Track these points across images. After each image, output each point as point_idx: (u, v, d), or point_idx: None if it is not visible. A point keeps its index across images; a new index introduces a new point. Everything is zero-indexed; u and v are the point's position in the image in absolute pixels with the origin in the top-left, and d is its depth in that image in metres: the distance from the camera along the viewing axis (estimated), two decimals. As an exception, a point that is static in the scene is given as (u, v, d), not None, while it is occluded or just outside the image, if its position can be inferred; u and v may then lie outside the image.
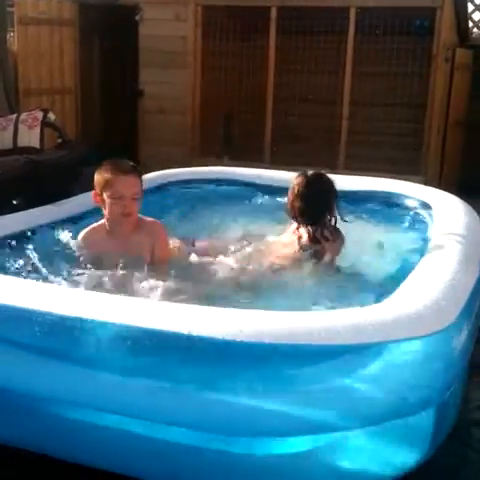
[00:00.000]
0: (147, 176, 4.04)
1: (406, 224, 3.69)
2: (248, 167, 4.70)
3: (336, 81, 7.22)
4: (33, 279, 2.44)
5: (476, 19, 7.81)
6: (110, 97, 8.58)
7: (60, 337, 1.95)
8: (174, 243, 3.10)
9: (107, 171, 2.78)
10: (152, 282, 2.51)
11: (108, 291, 2.43)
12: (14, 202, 3.31)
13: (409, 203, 3.85)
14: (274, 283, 2.80)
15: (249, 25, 7.25)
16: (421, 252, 2.78)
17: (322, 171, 3.20)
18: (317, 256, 2.95)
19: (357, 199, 3.88)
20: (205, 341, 1.79)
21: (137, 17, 7.45)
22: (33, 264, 2.62)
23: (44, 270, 2.59)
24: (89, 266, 2.68)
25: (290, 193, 3.12)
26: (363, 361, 1.83)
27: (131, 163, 2.88)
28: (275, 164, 6.29)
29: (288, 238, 3.13)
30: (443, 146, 6.98)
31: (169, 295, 2.43)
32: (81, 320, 1.91)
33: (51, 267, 2.64)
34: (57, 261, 2.73)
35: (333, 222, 3.08)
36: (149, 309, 2.00)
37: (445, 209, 3.40)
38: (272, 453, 1.89)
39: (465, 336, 2.12)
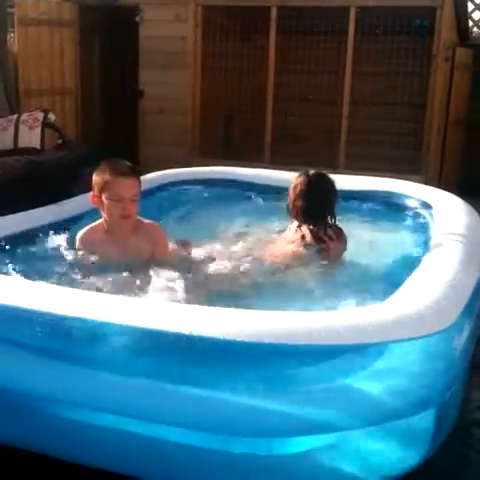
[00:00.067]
0: (148, 176, 4.05)
1: (407, 224, 3.69)
2: (248, 167, 4.70)
3: (336, 81, 7.22)
4: (32, 279, 2.43)
5: (476, 18, 7.81)
6: (110, 98, 8.58)
7: (59, 337, 1.95)
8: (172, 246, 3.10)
9: (105, 173, 2.76)
10: (151, 283, 2.51)
11: (107, 291, 2.43)
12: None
13: (410, 203, 3.85)
14: (276, 282, 2.80)
15: (249, 25, 7.25)
16: (422, 252, 2.78)
17: (323, 171, 3.20)
18: (320, 255, 2.95)
19: (358, 199, 3.89)
20: (205, 341, 1.79)
21: (137, 18, 7.45)
22: (33, 264, 2.62)
23: (43, 270, 2.59)
24: (87, 267, 2.67)
25: (291, 192, 3.12)
26: (364, 361, 1.82)
27: (129, 164, 2.87)
28: (275, 164, 6.29)
29: (290, 237, 3.13)
30: (443, 145, 6.98)
31: (169, 295, 2.43)
32: (80, 320, 1.91)
33: (50, 267, 2.64)
34: (56, 261, 2.73)
35: (333, 222, 3.08)
36: (149, 310, 2.00)
37: (446, 209, 3.40)
38: (272, 453, 1.89)
39: (466, 336, 2.12)
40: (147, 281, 2.53)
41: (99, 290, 2.44)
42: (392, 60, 6.98)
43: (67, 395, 1.97)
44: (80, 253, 2.79)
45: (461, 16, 7.01)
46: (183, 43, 7.40)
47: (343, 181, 3.29)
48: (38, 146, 6.02)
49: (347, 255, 3.04)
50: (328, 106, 7.29)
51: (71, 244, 2.84)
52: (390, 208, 3.92)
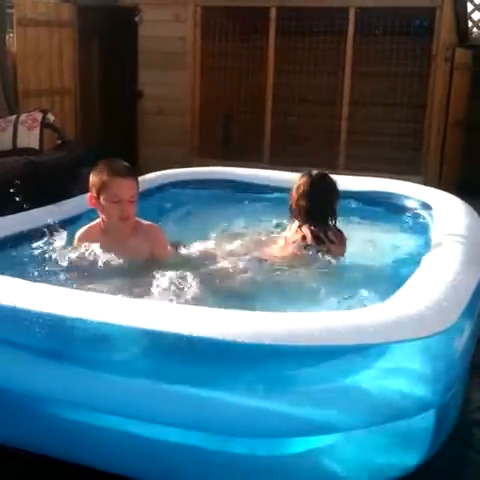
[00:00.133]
0: (147, 176, 4.05)
1: (407, 225, 3.69)
2: (247, 167, 4.70)
3: (335, 81, 7.22)
4: (31, 280, 2.42)
5: (476, 19, 7.81)
6: (109, 98, 8.58)
7: (58, 337, 1.94)
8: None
9: (103, 173, 2.73)
10: (150, 284, 2.50)
11: (105, 292, 2.42)
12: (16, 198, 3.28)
13: (410, 203, 3.85)
14: (276, 282, 2.80)
15: (248, 26, 7.25)
16: (422, 253, 2.77)
17: (326, 172, 3.21)
18: (321, 256, 2.95)
19: (358, 200, 3.88)
20: (205, 342, 1.78)
21: (136, 18, 7.45)
22: (31, 265, 2.61)
23: (42, 271, 2.59)
24: (86, 268, 2.65)
25: (295, 192, 3.14)
26: (364, 362, 1.82)
27: (126, 164, 2.84)
28: (274, 164, 6.29)
29: (291, 237, 3.13)
30: (443, 146, 6.98)
31: (168, 296, 2.42)
32: (78, 321, 1.90)
33: (49, 268, 2.64)
34: (55, 262, 2.71)
35: (334, 222, 3.09)
36: (148, 310, 2.00)
37: (446, 210, 3.39)
38: (272, 454, 1.88)
39: (466, 337, 2.11)
40: (146, 282, 2.52)
41: (97, 291, 2.43)
42: (391, 61, 6.98)
43: (65, 395, 1.97)
44: (78, 254, 2.77)
45: (460, 17, 7.02)
46: (182, 43, 7.40)
47: (343, 182, 3.29)
48: (37, 146, 6.02)
49: (347, 256, 3.04)
50: (327, 107, 7.29)
51: (69, 245, 2.82)
52: (390, 209, 3.92)
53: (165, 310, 2.02)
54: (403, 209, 3.86)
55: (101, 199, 2.73)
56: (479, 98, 7.31)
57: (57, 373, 1.97)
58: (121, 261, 2.68)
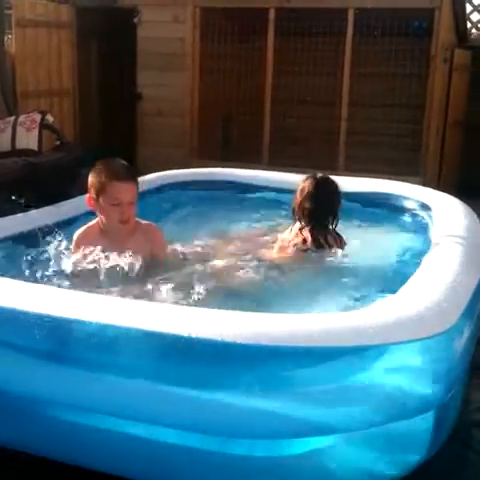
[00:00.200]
0: (147, 177, 4.05)
1: (406, 226, 3.68)
2: (246, 169, 4.70)
3: (334, 82, 7.23)
4: (29, 281, 2.42)
5: (474, 20, 7.82)
6: (108, 99, 8.58)
7: (57, 339, 1.94)
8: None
9: (102, 175, 2.69)
10: (149, 284, 2.50)
11: (104, 293, 2.42)
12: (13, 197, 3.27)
13: (409, 204, 3.85)
14: (275, 283, 2.80)
15: (247, 27, 7.26)
16: (422, 254, 2.77)
17: (328, 175, 3.23)
18: (320, 259, 2.95)
19: (357, 201, 3.88)
20: (204, 343, 1.78)
21: (135, 19, 7.45)
22: (30, 266, 2.60)
23: (41, 272, 2.58)
24: (85, 269, 2.63)
25: (299, 194, 3.15)
26: (363, 363, 1.82)
27: (125, 163, 2.81)
28: (274, 166, 6.29)
29: (291, 239, 3.14)
30: (442, 147, 6.99)
31: (166, 297, 2.42)
32: (78, 322, 1.90)
33: (48, 269, 2.62)
34: (54, 263, 2.70)
35: (336, 225, 3.10)
36: (146, 311, 1.99)
37: (445, 211, 3.39)
38: (272, 455, 1.88)
39: (466, 338, 2.11)
40: (145, 282, 2.52)
41: (96, 292, 2.42)
42: (390, 62, 6.99)
43: (65, 397, 1.96)
44: (78, 256, 2.75)
45: (459, 17, 7.02)
46: (181, 45, 7.40)
47: (342, 183, 3.29)
48: (36, 148, 6.02)
49: (346, 257, 3.04)
50: (326, 108, 7.30)
51: (68, 246, 2.81)
52: (389, 210, 3.92)
53: (163, 311, 2.02)
54: (402, 210, 3.86)
55: (100, 201, 2.70)
56: (478, 99, 7.32)
57: (57, 375, 1.96)
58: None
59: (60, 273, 2.62)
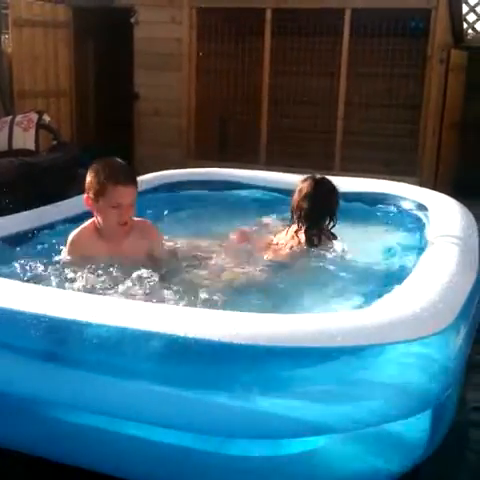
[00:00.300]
0: (144, 177, 4.04)
1: (403, 226, 3.69)
2: (244, 169, 4.70)
3: (331, 82, 7.23)
4: (26, 282, 2.42)
5: (471, 20, 7.84)
6: (105, 99, 8.57)
7: (56, 339, 1.94)
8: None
9: (103, 177, 2.64)
10: (147, 284, 2.49)
11: (101, 293, 2.42)
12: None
13: (405, 205, 3.86)
14: (272, 283, 2.80)
15: (244, 27, 7.26)
16: (418, 254, 2.78)
17: (325, 176, 3.25)
18: (315, 260, 2.96)
19: (353, 201, 3.89)
20: (201, 343, 1.78)
21: (132, 19, 7.45)
22: (26, 266, 2.59)
23: (38, 273, 2.57)
24: (82, 269, 2.61)
25: (297, 195, 3.17)
26: (360, 363, 1.82)
27: (123, 163, 2.76)
28: (271, 166, 6.29)
29: (287, 241, 3.15)
30: (438, 147, 7.00)
31: (166, 297, 2.42)
32: (77, 323, 1.90)
33: (45, 270, 2.62)
34: (51, 264, 2.70)
35: (333, 225, 3.12)
36: (147, 311, 1.99)
37: (441, 211, 3.40)
38: (270, 455, 1.88)
39: (462, 338, 2.12)
40: (142, 282, 2.51)
41: (94, 292, 2.42)
42: (387, 62, 7.00)
43: (64, 398, 1.96)
44: (75, 256, 2.74)
45: (456, 18, 7.04)
46: (178, 45, 7.40)
47: (339, 183, 3.29)
48: (33, 147, 6.01)
49: (342, 258, 3.04)
50: (323, 108, 7.31)
51: (65, 246, 2.80)
52: (385, 210, 3.92)
53: (162, 311, 2.02)
54: (399, 210, 3.87)
55: (99, 202, 2.66)
56: (474, 99, 7.34)
57: (56, 376, 1.96)
58: (118, 261, 2.66)
59: (56, 274, 2.61)
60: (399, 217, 3.81)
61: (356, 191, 3.99)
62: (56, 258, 2.76)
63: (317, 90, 7.40)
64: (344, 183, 3.80)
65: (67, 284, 2.51)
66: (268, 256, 3.10)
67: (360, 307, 2.26)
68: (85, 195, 2.73)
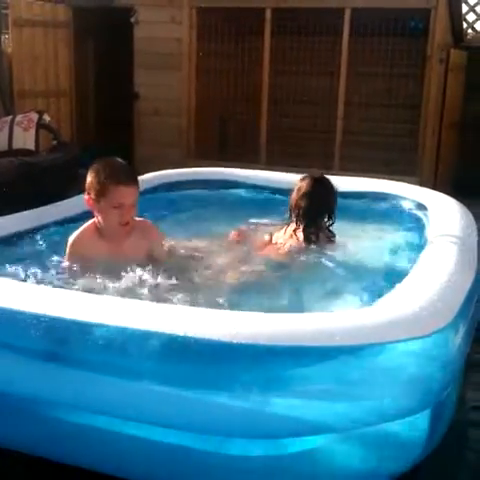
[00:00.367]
0: (144, 177, 4.04)
1: (402, 225, 3.69)
2: (244, 168, 4.71)
3: (331, 82, 7.23)
4: (26, 282, 2.42)
5: (470, 20, 7.85)
6: (105, 99, 8.58)
7: (56, 339, 1.94)
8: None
9: (104, 177, 2.62)
10: (149, 284, 2.50)
11: (102, 294, 2.42)
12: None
13: (405, 204, 3.86)
14: (271, 284, 2.80)
15: (244, 27, 7.26)
16: (417, 253, 2.78)
17: (324, 175, 3.27)
18: (314, 259, 2.97)
19: (353, 200, 3.89)
20: (201, 343, 1.79)
21: (132, 19, 7.45)
22: (26, 266, 2.59)
23: (37, 273, 2.56)
24: (82, 269, 2.61)
25: (295, 193, 3.18)
26: (359, 362, 1.82)
27: (124, 163, 2.75)
28: (271, 165, 6.30)
29: (285, 240, 3.16)
30: (438, 147, 7.01)
31: (166, 297, 2.42)
32: (77, 323, 1.91)
33: (44, 270, 2.61)
34: (51, 264, 2.69)
35: (332, 223, 3.13)
36: (146, 311, 2.00)
37: (441, 210, 3.40)
38: (270, 454, 1.89)
39: (461, 337, 2.12)
40: (142, 282, 2.51)
41: (94, 292, 2.42)
42: (387, 61, 7.01)
43: (64, 398, 1.96)
44: (75, 256, 2.71)
45: (455, 18, 7.04)
46: (178, 45, 7.41)
47: (338, 182, 3.30)
48: (33, 147, 6.02)
49: (341, 257, 3.05)
50: (323, 107, 7.31)
51: (66, 247, 2.79)
52: (385, 209, 3.92)
53: (160, 311, 2.02)
54: (398, 210, 3.87)
55: (101, 203, 2.65)
56: (473, 99, 7.35)
57: (56, 376, 1.96)
58: (119, 262, 2.65)
59: (55, 274, 2.61)
60: (398, 216, 3.81)
61: (355, 190, 4.00)
62: (56, 258, 2.76)
63: (317, 90, 7.40)
64: (343, 182, 3.81)
65: (67, 284, 2.51)
66: (267, 255, 3.11)
67: (359, 306, 2.26)
68: (86, 195, 2.71)
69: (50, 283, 2.49)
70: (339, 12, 6.82)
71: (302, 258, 2.98)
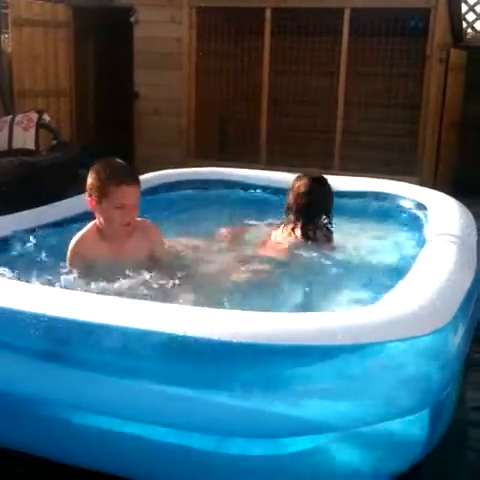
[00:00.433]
0: (144, 177, 4.04)
1: (402, 225, 3.69)
2: (244, 168, 4.71)
3: (331, 82, 7.23)
4: (25, 282, 2.42)
5: (470, 20, 7.85)
6: (105, 98, 8.58)
7: (56, 339, 1.94)
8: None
9: (106, 178, 2.61)
10: (150, 284, 2.50)
11: (103, 294, 2.41)
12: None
13: (405, 204, 3.86)
14: (270, 282, 2.80)
15: (244, 26, 7.27)
16: (416, 252, 2.78)
17: (321, 173, 3.28)
18: (313, 258, 2.97)
19: (353, 200, 3.89)
20: (201, 342, 1.79)
21: (132, 18, 7.45)
22: (25, 267, 2.59)
23: (37, 273, 2.56)
24: (84, 272, 2.59)
25: (292, 192, 3.21)
26: (359, 361, 1.83)
27: (124, 163, 2.74)
28: (271, 165, 6.30)
29: (283, 238, 3.17)
30: (438, 146, 7.01)
31: (167, 297, 2.42)
32: (77, 322, 1.91)
33: (45, 270, 2.61)
34: (51, 264, 2.70)
35: (327, 223, 3.15)
36: (146, 310, 2.00)
37: (440, 210, 3.41)
38: (270, 454, 1.89)
39: (460, 337, 2.12)
40: (143, 282, 2.51)
41: (95, 293, 2.42)
42: (386, 61, 7.01)
43: (65, 398, 1.96)
44: (77, 258, 2.68)
45: (455, 17, 7.04)
46: (178, 44, 7.41)
47: (338, 182, 3.31)
48: (33, 147, 6.02)
49: (341, 256, 3.05)
50: (323, 107, 7.31)
51: (65, 250, 2.73)
52: (385, 209, 3.93)
53: (160, 310, 2.02)
54: (398, 209, 3.88)
55: (103, 204, 2.63)
56: (473, 99, 7.35)
57: (56, 375, 1.96)
58: (120, 263, 2.63)
59: (56, 273, 2.61)
60: (398, 216, 3.82)
61: (355, 190, 4.00)
62: (56, 259, 2.75)
63: (317, 89, 7.40)
64: (343, 182, 3.82)
65: (67, 285, 2.51)
66: (267, 253, 3.11)
67: (358, 305, 2.26)
68: (87, 197, 2.69)
69: (50, 284, 2.49)
70: (339, 12, 6.82)
71: (301, 256, 2.98)
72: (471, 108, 7.39)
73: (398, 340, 1.85)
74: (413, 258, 2.68)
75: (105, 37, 8.31)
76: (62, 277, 2.56)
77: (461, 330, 2.13)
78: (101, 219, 2.69)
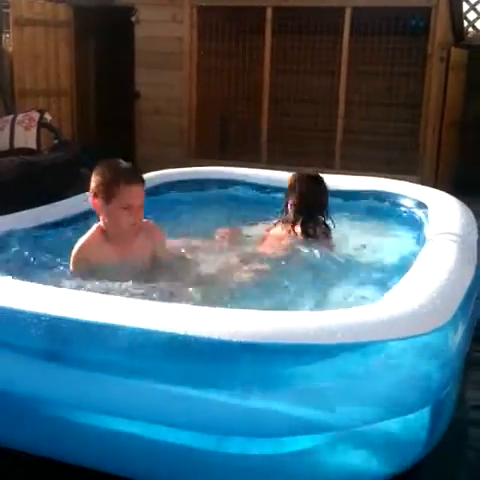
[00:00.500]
0: (145, 176, 4.04)
1: (402, 223, 3.70)
2: (245, 167, 4.71)
3: (332, 81, 7.23)
4: (24, 280, 2.41)
5: (471, 18, 7.84)
6: (106, 98, 8.58)
7: (57, 339, 1.95)
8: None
9: (111, 179, 2.59)
10: (153, 284, 2.49)
11: (106, 293, 2.41)
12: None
13: (405, 203, 3.86)
14: (271, 280, 2.81)
15: (245, 26, 7.27)
16: (417, 251, 2.78)
17: (317, 171, 3.30)
18: (313, 256, 2.97)
19: (353, 199, 3.90)
20: (201, 341, 1.79)
21: (133, 18, 7.45)
22: (25, 267, 2.58)
23: (38, 273, 2.56)
24: (87, 275, 2.57)
25: (289, 191, 3.25)
26: (359, 360, 1.83)
27: (127, 164, 2.72)
28: (272, 164, 6.30)
29: (282, 235, 3.18)
30: (439, 145, 7.00)
31: (169, 296, 2.42)
32: (77, 322, 1.91)
33: (44, 271, 2.61)
34: (52, 264, 2.69)
35: (325, 220, 3.18)
36: (146, 309, 2.00)
37: (441, 209, 3.41)
38: (269, 453, 1.89)
39: (461, 335, 2.12)
40: (146, 282, 2.51)
41: (96, 291, 2.42)
42: (387, 60, 7.00)
43: (65, 397, 1.97)
44: (82, 260, 2.65)
45: (456, 16, 7.04)
46: (179, 44, 7.41)
47: (339, 181, 3.31)
48: (34, 146, 6.02)
49: (341, 255, 3.05)
50: (324, 106, 7.31)
51: (68, 255, 2.69)
52: (385, 208, 3.93)
53: (160, 309, 2.02)
54: (398, 208, 3.88)
55: (109, 204, 2.60)
56: (474, 97, 7.34)
57: (57, 375, 1.96)
58: (125, 264, 2.63)
59: (57, 273, 2.61)
60: (399, 214, 3.82)
61: (356, 189, 4.00)
62: (58, 260, 2.75)
63: (318, 88, 7.40)
64: (344, 181, 3.82)
65: (67, 284, 2.51)
66: (266, 252, 3.12)
67: (359, 304, 2.26)
68: (92, 198, 2.66)
69: (50, 283, 2.49)
70: (340, 11, 6.82)
71: (301, 253, 2.98)
72: (472, 107, 7.39)
73: (398, 339, 1.85)
74: (413, 256, 2.68)
75: (106, 37, 8.31)
76: (64, 279, 2.54)
77: (461, 329, 2.13)
78: (106, 220, 2.66)
